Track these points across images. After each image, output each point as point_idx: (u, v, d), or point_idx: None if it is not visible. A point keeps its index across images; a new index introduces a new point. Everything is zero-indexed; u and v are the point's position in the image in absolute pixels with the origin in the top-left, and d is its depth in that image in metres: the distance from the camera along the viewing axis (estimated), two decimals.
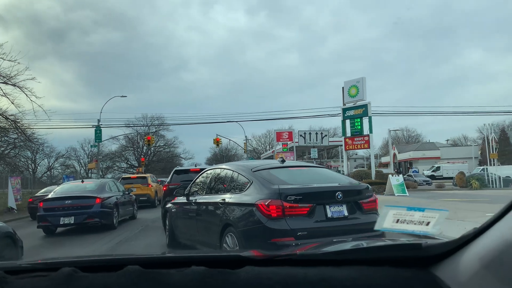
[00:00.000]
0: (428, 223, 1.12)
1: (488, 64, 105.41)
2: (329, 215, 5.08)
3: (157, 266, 1.17)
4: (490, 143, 28.52)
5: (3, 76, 26.51)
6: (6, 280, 1.12)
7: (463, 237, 1.02)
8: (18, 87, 26.68)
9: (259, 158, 65.82)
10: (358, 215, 5.31)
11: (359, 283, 1.08)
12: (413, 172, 55.10)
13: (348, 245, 1.43)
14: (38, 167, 63.52)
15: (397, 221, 1.19)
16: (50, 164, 65.48)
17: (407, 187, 22.15)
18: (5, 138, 32.04)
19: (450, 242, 1.05)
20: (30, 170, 56.46)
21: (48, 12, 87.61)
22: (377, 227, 1.25)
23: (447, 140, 74.26)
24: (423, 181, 36.47)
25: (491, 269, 0.91)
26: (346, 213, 5.21)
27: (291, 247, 4.63)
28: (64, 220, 10.92)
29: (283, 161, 6.30)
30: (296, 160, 38.81)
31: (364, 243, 1.47)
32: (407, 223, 1.16)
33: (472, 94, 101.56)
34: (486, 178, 26.45)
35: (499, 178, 26.28)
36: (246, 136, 46.66)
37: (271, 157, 48.11)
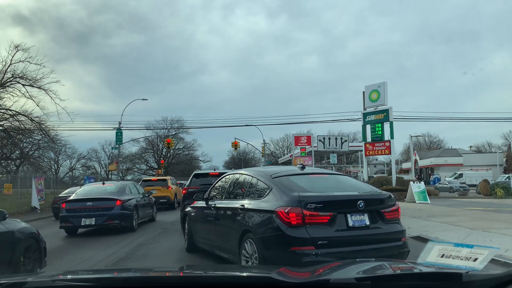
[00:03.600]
0: (475, 259, 1.06)
1: None
2: (350, 224, 4.99)
3: None
4: None
5: (29, 79, 27.30)
6: None
7: (510, 273, 0.95)
8: (43, 89, 27.45)
9: (277, 162, 65.65)
10: (380, 225, 5.20)
11: None
12: (434, 179, 53.97)
13: (376, 269, 1.36)
14: (61, 168, 64.99)
15: (442, 256, 1.12)
16: (72, 165, 66.93)
17: (429, 194, 21.69)
18: (30, 139, 32.89)
19: (497, 277, 0.98)
20: (52, 170, 57.76)
21: (72, 15, 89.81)
22: (420, 260, 1.19)
23: (471, 147, 72.52)
24: (460, 187, 34.49)
25: None
26: (367, 222, 5.11)
27: (311, 258, 4.57)
28: (86, 221, 11.11)
29: (303, 167, 6.24)
30: (315, 165, 38.54)
31: (391, 267, 1.40)
32: (453, 258, 1.09)
33: (497, 99, 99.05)
34: None
35: None
36: (264, 140, 46.63)
37: (289, 162, 47.93)
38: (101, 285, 1.19)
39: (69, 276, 1.41)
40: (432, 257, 1.15)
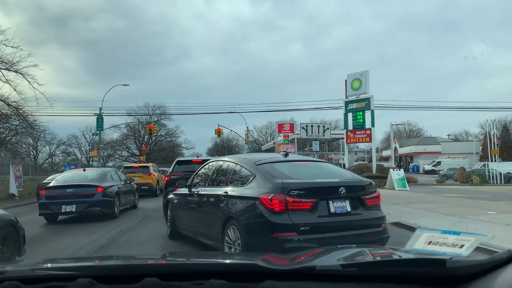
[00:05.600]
0: (462, 246, 1.09)
1: (493, 58, 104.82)
2: (332, 210, 5.08)
3: (174, 277, 1.15)
4: (492, 139, 28.42)
5: (5, 63, 26.42)
6: None
7: (496, 259, 0.98)
8: (20, 73, 26.62)
9: (260, 149, 65.79)
10: (361, 211, 5.30)
11: None
12: (414, 166, 54.95)
13: (356, 256, 1.40)
14: (40, 154, 63.60)
15: (429, 243, 1.16)
16: (52, 151, 65.52)
17: (408, 181, 22.14)
18: (7, 124, 32.03)
19: (481, 263, 1.01)
20: (31, 157, 56.49)
21: None
22: (407, 247, 1.22)
23: (449, 135, 74.17)
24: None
25: None
26: (349, 209, 5.20)
27: (293, 244, 4.64)
28: (66, 208, 10.95)
29: (286, 154, 6.28)
30: (297, 152, 38.80)
31: (370, 253, 1.44)
32: (440, 245, 1.12)
33: (475, 89, 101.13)
34: (487, 174, 26.41)
35: (500, 174, 26.24)
36: (247, 127, 46.62)
37: (272, 149, 48.09)
38: (83, 273, 1.18)
39: (49, 265, 1.38)
40: (419, 244, 1.18)
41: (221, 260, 1.78)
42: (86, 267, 1.45)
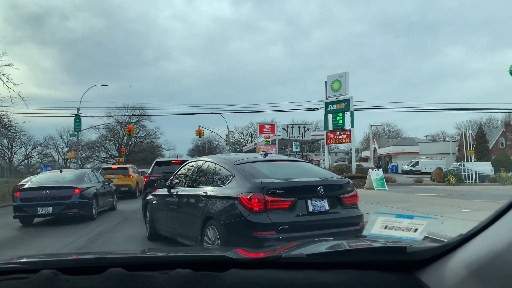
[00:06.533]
0: (415, 230, 1.14)
1: (469, 61, 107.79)
2: (311, 209, 5.12)
3: (141, 268, 1.15)
4: (468, 139, 29.18)
5: None
6: None
7: (449, 243, 1.04)
8: None
9: (241, 150, 65.79)
10: (339, 210, 5.37)
11: (346, 287, 1.09)
12: (392, 166, 55.84)
13: (332, 247, 1.44)
14: (15, 156, 61.99)
15: (385, 227, 1.20)
16: (27, 152, 63.94)
17: (387, 181, 22.51)
18: None
19: (436, 248, 1.07)
20: (6, 158, 55.00)
21: None
22: (365, 232, 1.26)
23: (426, 136, 75.66)
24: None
25: (477, 278, 0.91)
26: (327, 208, 5.26)
27: (272, 243, 4.66)
28: (42, 211, 10.71)
29: (265, 154, 6.30)
30: (278, 153, 38.95)
31: (347, 245, 1.48)
32: (395, 230, 1.18)
33: (452, 91, 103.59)
34: (463, 173, 27.09)
35: (475, 173, 26.97)
36: (228, 128, 46.47)
37: (253, 150, 48.14)
38: (47, 266, 1.16)
39: (14, 260, 1.36)
40: (376, 229, 1.23)
41: (191, 253, 1.79)
42: (51, 260, 1.43)
